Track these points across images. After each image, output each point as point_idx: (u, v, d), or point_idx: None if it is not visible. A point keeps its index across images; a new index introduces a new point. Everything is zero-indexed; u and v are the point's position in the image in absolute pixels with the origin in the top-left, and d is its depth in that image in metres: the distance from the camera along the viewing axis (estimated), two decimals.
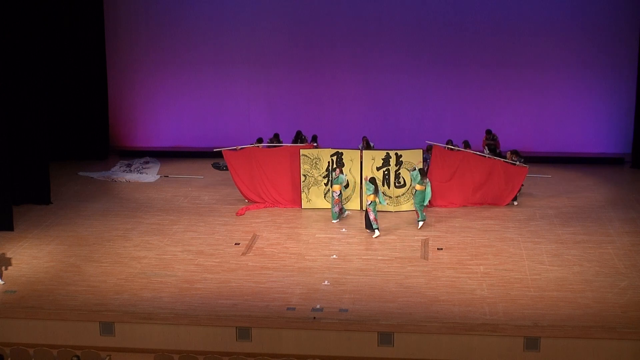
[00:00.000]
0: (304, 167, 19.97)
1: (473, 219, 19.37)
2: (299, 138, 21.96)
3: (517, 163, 20.19)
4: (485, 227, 18.81)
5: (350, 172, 19.83)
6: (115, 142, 26.34)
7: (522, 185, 21.72)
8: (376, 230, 18.14)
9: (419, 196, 18.70)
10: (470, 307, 14.59)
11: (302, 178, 20.04)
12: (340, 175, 19.22)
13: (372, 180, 18.34)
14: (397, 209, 19.77)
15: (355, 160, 19.81)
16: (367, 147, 21.59)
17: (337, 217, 19.22)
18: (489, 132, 22.45)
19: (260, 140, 21.55)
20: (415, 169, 18.97)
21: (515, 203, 20.31)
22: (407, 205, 19.63)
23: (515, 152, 20.73)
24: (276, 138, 22.14)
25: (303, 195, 20.13)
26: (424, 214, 18.76)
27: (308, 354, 13.97)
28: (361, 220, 19.02)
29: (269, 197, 20.37)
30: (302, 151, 20.00)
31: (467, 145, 21.20)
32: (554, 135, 25.06)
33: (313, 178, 19.96)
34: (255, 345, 14.17)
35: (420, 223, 18.65)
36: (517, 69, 24.84)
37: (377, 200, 18.15)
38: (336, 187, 19.11)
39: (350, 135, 23.17)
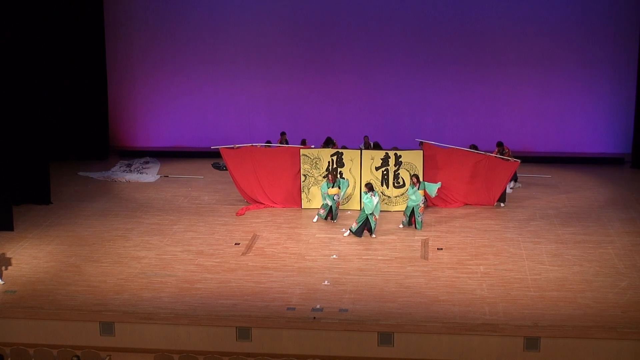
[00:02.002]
0: (304, 167, 19.98)
1: (473, 219, 19.38)
2: (329, 144, 21.68)
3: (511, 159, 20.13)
4: (485, 227, 18.81)
5: (350, 172, 19.84)
6: (115, 142, 26.34)
7: (518, 185, 21.74)
8: (347, 230, 18.30)
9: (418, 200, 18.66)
10: (470, 307, 14.59)
11: (303, 178, 20.04)
12: (341, 180, 19.30)
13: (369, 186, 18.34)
14: (395, 208, 19.76)
15: (355, 160, 19.82)
16: (368, 146, 21.56)
17: (330, 218, 19.27)
18: (500, 144, 21.53)
19: (283, 134, 21.43)
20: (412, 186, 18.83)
21: (502, 205, 20.26)
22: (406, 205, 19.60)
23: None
24: (282, 136, 22.03)
25: (303, 195, 20.13)
26: (421, 221, 18.71)
27: (308, 354, 13.98)
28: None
29: (267, 197, 20.36)
30: (302, 151, 20.01)
31: (475, 149, 20.98)
32: (554, 135, 25.06)
33: (313, 178, 19.96)
34: (255, 345, 14.17)
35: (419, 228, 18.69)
36: (517, 69, 24.84)
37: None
38: (334, 191, 19.07)
39: (351, 135, 23.16)
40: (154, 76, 26.01)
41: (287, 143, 22.05)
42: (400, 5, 24.90)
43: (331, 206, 19.13)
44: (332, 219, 19.23)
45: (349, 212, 19.65)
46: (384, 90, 25.37)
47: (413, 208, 18.61)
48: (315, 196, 20.00)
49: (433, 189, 18.83)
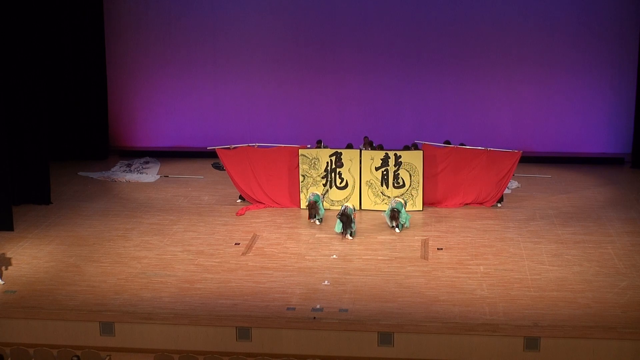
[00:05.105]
0: (303, 167, 19.95)
1: (473, 219, 19.37)
2: (368, 145, 21.42)
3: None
4: (485, 227, 18.81)
5: (350, 172, 19.83)
6: (115, 142, 26.32)
7: (517, 185, 21.75)
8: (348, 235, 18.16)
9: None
10: (470, 307, 14.59)
11: (301, 178, 20.02)
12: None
13: (342, 218, 18.03)
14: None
15: (354, 160, 19.81)
16: (367, 147, 21.49)
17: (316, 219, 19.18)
18: (447, 142, 21.26)
19: (319, 142, 21.11)
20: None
21: (499, 205, 20.25)
22: (407, 206, 19.52)
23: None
24: (319, 144, 21.16)
25: (302, 195, 20.10)
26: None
27: (308, 354, 13.98)
28: (360, 221, 19.01)
29: (267, 197, 20.34)
30: (300, 151, 19.98)
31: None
32: (554, 135, 25.03)
33: (312, 178, 19.92)
34: (255, 345, 14.17)
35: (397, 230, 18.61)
36: (517, 69, 24.81)
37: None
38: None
39: (351, 135, 23.13)
40: (154, 76, 26.00)
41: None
42: (400, 5, 24.88)
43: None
44: (314, 217, 19.13)
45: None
46: (384, 90, 25.33)
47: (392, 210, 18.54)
48: None
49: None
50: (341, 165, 19.86)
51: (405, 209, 18.58)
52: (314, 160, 19.90)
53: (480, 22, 24.71)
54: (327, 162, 19.87)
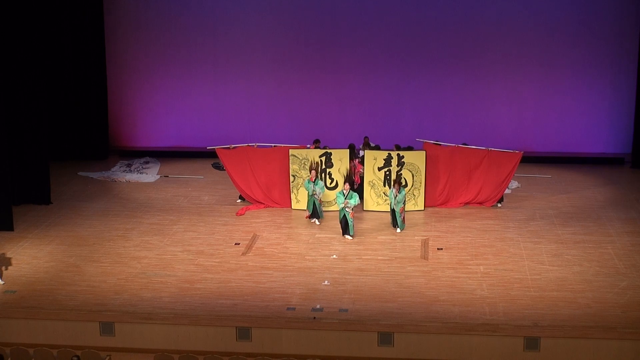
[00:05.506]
0: (293, 167, 19.89)
1: (473, 219, 19.37)
2: (366, 145, 21.47)
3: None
4: (485, 227, 18.81)
5: (340, 172, 19.79)
6: (115, 142, 26.33)
7: (517, 185, 21.77)
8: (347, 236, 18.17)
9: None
10: (470, 307, 14.59)
11: (292, 178, 19.98)
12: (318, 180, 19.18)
13: (347, 179, 18.36)
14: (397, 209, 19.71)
15: (344, 160, 19.77)
16: (368, 147, 21.49)
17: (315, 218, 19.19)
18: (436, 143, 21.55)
19: (317, 142, 21.06)
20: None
21: (499, 205, 20.25)
22: (408, 205, 19.55)
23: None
24: (316, 144, 21.11)
25: (292, 195, 20.07)
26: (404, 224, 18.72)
27: (308, 354, 13.98)
28: (360, 221, 19.01)
29: (266, 197, 20.33)
30: (290, 151, 19.91)
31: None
32: (554, 135, 25.04)
33: (302, 179, 19.86)
34: (255, 345, 14.17)
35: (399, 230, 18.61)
36: (517, 69, 24.81)
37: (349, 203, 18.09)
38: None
39: (351, 135, 23.13)
40: (154, 76, 26.00)
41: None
42: (400, 5, 24.88)
43: (315, 205, 19.04)
44: (314, 217, 19.11)
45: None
46: (384, 90, 25.34)
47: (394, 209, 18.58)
48: (304, 196, 19.81)
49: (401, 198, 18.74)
50: (331, 166, 19.84)
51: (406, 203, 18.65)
52: (304, 161, 19.85)
53: (480, 22, 24.71)
54: (317, 163, 19.82)
